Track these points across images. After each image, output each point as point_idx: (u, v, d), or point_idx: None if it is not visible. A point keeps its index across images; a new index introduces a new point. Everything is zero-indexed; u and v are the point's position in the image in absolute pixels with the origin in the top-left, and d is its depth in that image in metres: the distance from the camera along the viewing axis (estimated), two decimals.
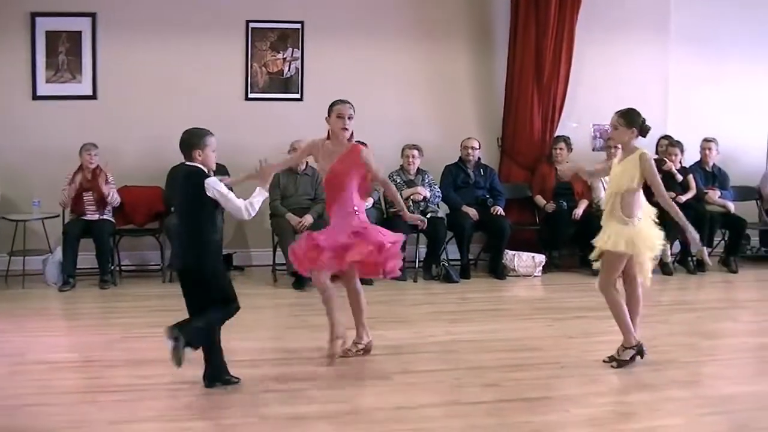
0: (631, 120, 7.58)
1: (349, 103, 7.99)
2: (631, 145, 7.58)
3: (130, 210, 11.83)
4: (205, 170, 6.82)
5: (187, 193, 6.86)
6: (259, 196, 7.02)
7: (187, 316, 7.00)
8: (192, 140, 6.92)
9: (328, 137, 7.95)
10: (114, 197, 11.41)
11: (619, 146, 7.94)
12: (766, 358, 8.50)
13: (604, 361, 7.63)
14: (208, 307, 6.86)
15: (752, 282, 12.46)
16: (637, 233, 7.41)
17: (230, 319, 6.92)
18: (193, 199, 6.76)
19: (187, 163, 6.89)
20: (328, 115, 8.02)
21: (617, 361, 7.58)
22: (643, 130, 7.61)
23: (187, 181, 6.86)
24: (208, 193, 6.67)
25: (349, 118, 7.86)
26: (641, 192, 7.52)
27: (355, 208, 7.65)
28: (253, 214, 6.94)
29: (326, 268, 7.61)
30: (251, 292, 10.63)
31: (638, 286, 7.70)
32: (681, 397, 6.82)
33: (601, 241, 7.56)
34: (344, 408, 6.45)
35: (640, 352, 7.58)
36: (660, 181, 7.51)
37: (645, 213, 7.57)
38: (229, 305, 6.91)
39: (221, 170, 11.63)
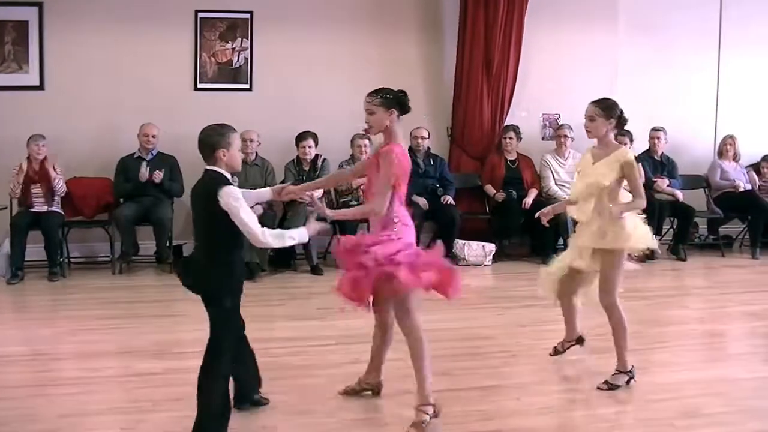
0: (610, 110, 6.96)
1: (369, 95, 6.44)
2: (609, 138, 7.00)
3: (79, 202, 11.75)
4: (227, 176, 5.70)
5: (200, 203, 5.79)
6: (296, 235, 5.83)
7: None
8: (214, 139, 5.78)
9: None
10: (60, 185, 11.31)
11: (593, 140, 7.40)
12: (714, 344, 8.61)
13: (599, 388, 6.85)
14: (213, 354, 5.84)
15: (701, 270, 12.57)
16: (633, 228, 6.91)
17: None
18: (207, 212, 5.66)
19: (208, 167, 5.77)
20: None
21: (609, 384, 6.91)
22: (622, 122, 7.06)
23: (203, 189, 5.73)
24: (220, 204, 5.50)
25: (367, 112, 6.30)
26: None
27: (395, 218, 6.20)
28: (272, 244, 5.74)
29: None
30: None
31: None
32: (631, 384, 6.86)
33: (592, 240, 6.89)
34: (294, 398, 6.45)
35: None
36: (638, 185, 6.86)
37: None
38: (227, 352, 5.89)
39: (171, 161, 11.63)
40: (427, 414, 5.92)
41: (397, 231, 6.16)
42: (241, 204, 5.50)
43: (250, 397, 6.27)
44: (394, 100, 6.38)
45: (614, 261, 6.85)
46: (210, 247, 5.74)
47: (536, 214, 7.56)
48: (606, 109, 6.95)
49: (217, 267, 5.70)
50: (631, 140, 12.79)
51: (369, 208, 6.18)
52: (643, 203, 6.86)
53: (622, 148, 6.98)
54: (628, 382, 6.91)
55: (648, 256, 12.35)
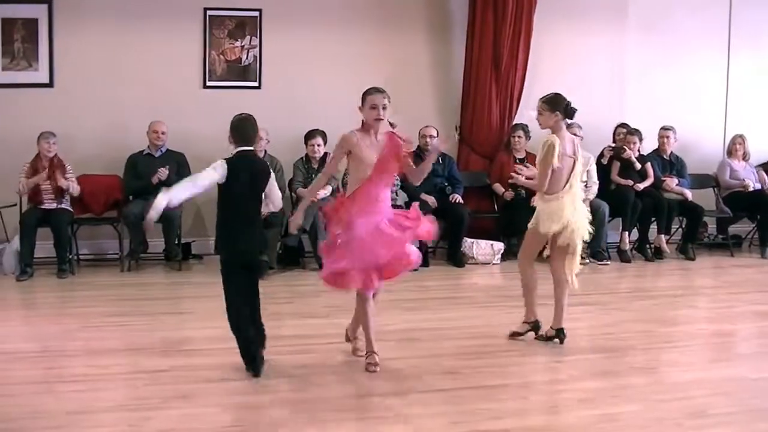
0: (553, 104, 7.90)
1: (383, 92, 7.55)
2: (559, 129, 7.92)
3: (88, 199, 11.77)
4: None
5: (264, 179, 7.04)
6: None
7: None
8: (255, 128, 7.18)
9: (363, 128, 7.54)
10: (74, 188, 11.34)
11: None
12: (722, 344, 8.58)
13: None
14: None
15: (709, 269, 12.55)
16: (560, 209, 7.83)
17: None
18: (264, 184, 7.02)
19: (246, 148, 7.05)
20: (362, 105, 7.60)
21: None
22: (568, 113, 7.91)
23: (265, 166, 7.18)
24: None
25: (383, 108, 7.41)
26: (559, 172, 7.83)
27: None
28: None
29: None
30: (210, 280, 10.54)
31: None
32: (639, 383, 6.85)
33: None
34: (303, 396, 6.44)
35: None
36: (543, 171, 7.81)
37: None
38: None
39: (179, 159, 11.64)
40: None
41: None
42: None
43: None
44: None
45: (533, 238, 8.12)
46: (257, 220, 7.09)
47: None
48: (550, 102, 7.93)
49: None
50: (641, 139, 12.81)
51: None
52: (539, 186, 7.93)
53: (552, 137, 7.88)
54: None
55: (657, 255, 12.50)
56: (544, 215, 7.84)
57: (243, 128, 7.04)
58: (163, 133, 11.71)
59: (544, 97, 8.03)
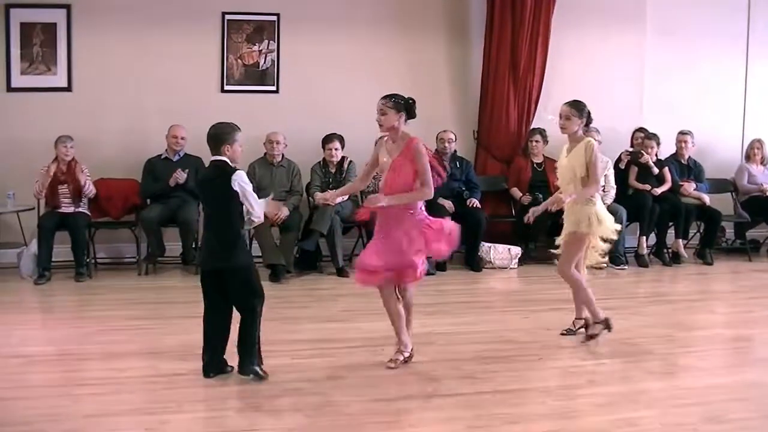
0: (581, 110, 8.02)
1: (385, 97, 7.93)
2: (579, 134, 8.05)
3: (106, 203, 11.79)
4: (232, 164, 6.89)
5: (215, 187, 6.91)
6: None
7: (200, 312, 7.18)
8: (222, 136, 6.94)
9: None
10: (89, 188, 11.37)
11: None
12: (740, 349, 8.56)
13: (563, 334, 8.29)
14: (247, 308, 6.98)
15: (727, 274, 12.52)
16: (596, 212, 7.90)
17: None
18: (222, 193, 6.83)
19: (214, 158, 6.96)
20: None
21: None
22: (589, 120, 8.14)
23: (216, 175, 6.91)
24: (233, 186, 6.75)
25: (378, 112, 7.80)
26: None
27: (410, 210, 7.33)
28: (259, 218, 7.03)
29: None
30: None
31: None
32: (656, 388, 6.84)
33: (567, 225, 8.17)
34: (320, 400, 6.44)
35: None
36: (596, 173, 7.89)
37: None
38: (258, 302, 7.03)
39: (197, 163, 11.66)
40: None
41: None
42: (247, 184, 6.86)
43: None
44: (404, 105, 7.83)
45: (575, 242, 8.16)
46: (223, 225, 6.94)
47: (528, 215, 8.68)
48: (578, 108, 8.02)
49: (231, 242, 6.96)
50: (658, 144, 12.78)
51: (424, 193, 7.30)
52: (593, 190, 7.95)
53: (584, 138, 8.02)
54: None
55: (674, 259, 12.48)
56: (593, 218, 7.92)
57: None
58: (182, 138, 11.72)
59: (571, 102, 8.12)
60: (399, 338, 7.40)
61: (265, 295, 7.08)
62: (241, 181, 6.77)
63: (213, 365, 6.94)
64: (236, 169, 6.85)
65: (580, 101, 8.12)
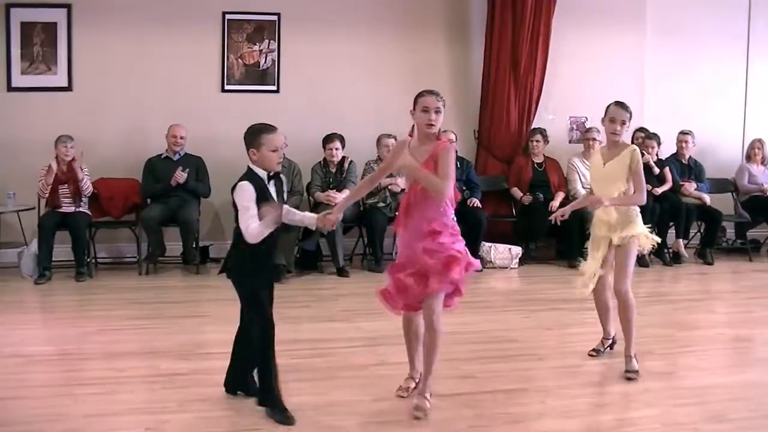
0: (631, 114, 7.37)
1: (436, 94, 6.55)
2: (621, 140, 7.38)
3: (106, 202, 11.79)
4: (256, 172, 6.04)
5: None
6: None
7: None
8: (247, 138, 6.08)
9: (414, 134, 6.59)
10: (87, 186, 11.35)
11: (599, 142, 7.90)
12: (741, 349, 8.56)
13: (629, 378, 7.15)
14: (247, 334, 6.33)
15: (728, 274, 12.53)
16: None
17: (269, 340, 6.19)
18: (233, 203, 6.07)
19: (249, 164, 6.09)
20: (413, 109, 6.57)
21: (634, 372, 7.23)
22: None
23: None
24: (234, 198, 6.01)
25: (436, 111, 6.38)
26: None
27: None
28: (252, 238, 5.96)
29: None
30: (228, 284, 10.60)
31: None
32: (657, 388, 6.84)
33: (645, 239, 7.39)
34: (321, 400, 6.44)
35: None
36: (641, 180, 7.24)
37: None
38: (258, 326, 6.23)
39: (197, 162, 11.66)
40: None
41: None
42: (243, 199, 5.95)
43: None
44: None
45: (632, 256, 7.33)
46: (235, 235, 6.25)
47: (555, 215, 7.75)
48: (629, 112, 7.32)
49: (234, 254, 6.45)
50: (659, 143, 12.80)
51: (440, 182, 6.28)
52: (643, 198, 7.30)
53: (628, 145, 7.39)
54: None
55: (675, 259, 12.48)
56: (643, 226, 7.41)
57: None
58: (182, 138, 11.72)
59: (626, 106, 7.35)
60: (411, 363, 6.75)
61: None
62: (237, 195, 5.98)
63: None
64: (242, 179, 6.01)
65: (626, 103, 7.40)
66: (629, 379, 7.08)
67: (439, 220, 6.38)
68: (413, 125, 6.52)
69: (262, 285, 6.33)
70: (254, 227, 5.90)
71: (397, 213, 6.71)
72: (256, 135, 6.04)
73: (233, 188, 6.02)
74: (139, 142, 11.99)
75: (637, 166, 7.18)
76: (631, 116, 7.32)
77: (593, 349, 7.79)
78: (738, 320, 9.71)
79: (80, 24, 11.93)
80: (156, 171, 11.70)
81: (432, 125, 6.31)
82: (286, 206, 6.37)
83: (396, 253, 7.27)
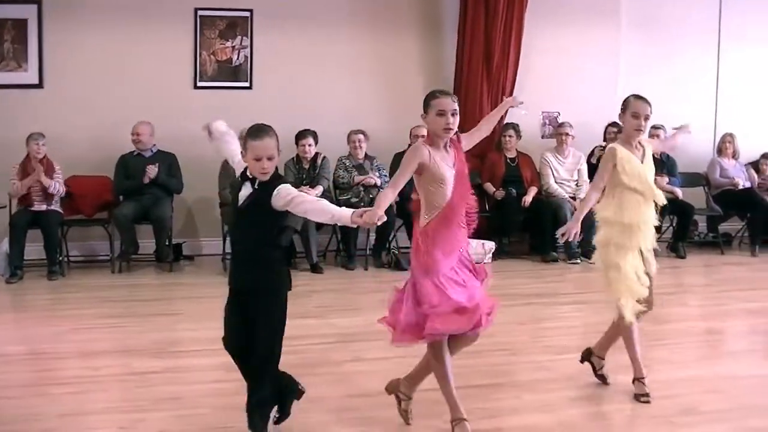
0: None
1: (450, 94, 5.90)
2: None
3: (79, 200, 11.74)
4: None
5: None
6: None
7: None
8: (242, 140, 5.70)
9: (429, 139, 5.91)
10: (56, 186, 11.30)
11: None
12: (713, 342, 8.62)
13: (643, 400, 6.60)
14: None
15: (700, 267, 12.59)
16: None
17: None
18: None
19: None
20: (425, 112, 5.86)
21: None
22: None
23: None
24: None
25: (453, 114, 5.72)
26: None
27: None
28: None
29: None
30: (201, 281, 10.66)
31: None
32: (630, 381, 6.85)
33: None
34: None
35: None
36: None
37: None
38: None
39: (170, 159, 11.64)
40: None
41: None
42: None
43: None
44: None
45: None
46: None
47: (560, 233, 6.87)
48: (649, 105, 6.92)
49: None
50: None
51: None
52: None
53: (647, 140, 7.08)
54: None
55: None
56: None
57: None
58: (142, 134, 11.63)
59: (647, 100, 7.06)
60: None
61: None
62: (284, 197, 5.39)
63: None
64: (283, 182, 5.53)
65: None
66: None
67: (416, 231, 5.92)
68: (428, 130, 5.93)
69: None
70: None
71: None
72: (244, 139, 5.70)
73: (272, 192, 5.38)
74: (111, 140, 11.92)
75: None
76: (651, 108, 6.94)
77: (644, 394, 6.59)
78: (710, 313, 9.79)
79: (51, 20, 11.86)
80: (128, 168, 11.65)
81: (450, 129, 5.73)
82: (314, 198, 5.69)
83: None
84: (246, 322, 5.48)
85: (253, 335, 5.46)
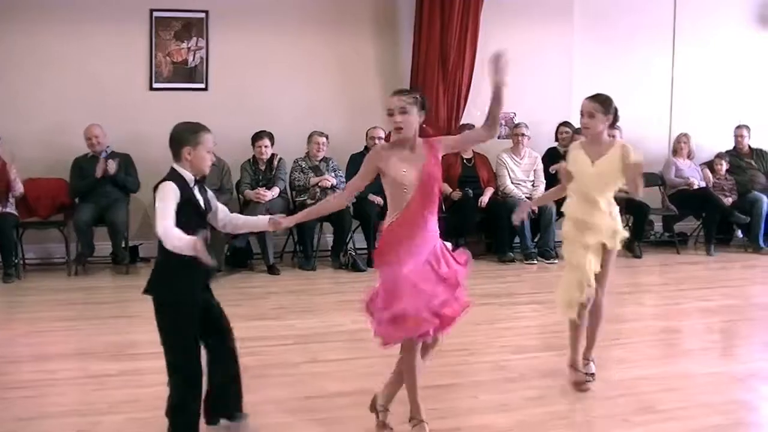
0: (608, 106, 6.89)
1: (401, 92, 5.87)
2: (604, 136, 6.88)
3: (34, 202, 11.65)
4: (182, 174, 5.43)
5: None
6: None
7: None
8: (183, 135, 5.49)
9: (390, 140, 5.99)
10: (19, 187, 11.25)
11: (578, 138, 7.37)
12: (670, 340, 8.68)
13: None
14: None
15: (656, 266, 12.66)
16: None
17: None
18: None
19: (173, 165, 5.49)
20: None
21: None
22: (616, 119, 7.00)
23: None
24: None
25: (400, 112, 5.72)
26: None
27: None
28: (167, 244, 5.25)
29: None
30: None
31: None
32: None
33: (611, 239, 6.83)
34: (254, 398, 6.38)
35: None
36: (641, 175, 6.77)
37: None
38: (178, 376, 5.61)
39: (125, 159, 11.57)
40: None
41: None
42: (160, 201, 5.28)
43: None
44: (423, 102, 5.94)
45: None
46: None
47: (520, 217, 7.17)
48: (605, 103, 6.87)
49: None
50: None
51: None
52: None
53: (616, 141, 6.97)
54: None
55: None
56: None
57: None
58: (96, 137, 11.55)
59: (595, 96, 7.01)
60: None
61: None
62: (157, 195, 5.34)
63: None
64: (165, 179, 5.39)
65: (604, 95, 7.01)
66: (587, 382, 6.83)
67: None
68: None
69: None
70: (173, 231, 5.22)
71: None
72: (194, 133, 5.51)
73: (155, 188, 5.38)
74: (66, 141, 11.84)
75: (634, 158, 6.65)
76: (607, 108, 6.88)
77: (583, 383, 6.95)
78: (666, 312, 9.85)
79: (2, 20, 11.74)
80: (83, 171, 11.56)
81: (399, 128, 5.69)
82: (235, 214, 6.12)
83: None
84: None
85: None
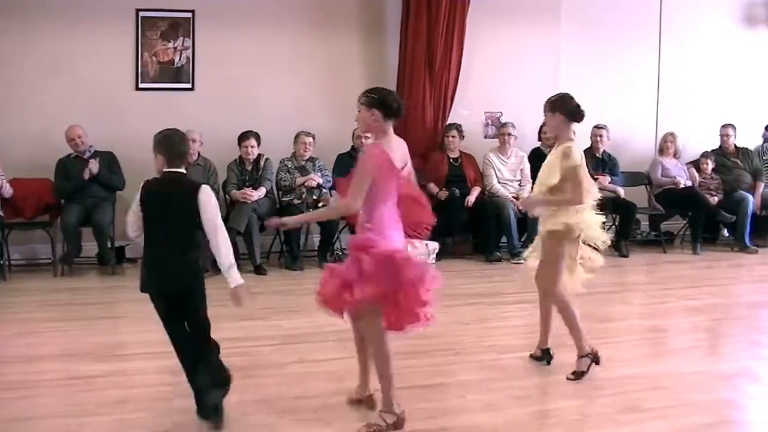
0: (555, 104, 7.18)
1: (364, 92, 6.49)
2: (567, 134, 7.18)
3: (19, 203, 11.59)
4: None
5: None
6: None
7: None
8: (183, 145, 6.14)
9: None
10: (7, 188, 11.22)
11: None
12: (656, 339, 8.70)
13: (568, 378, 6.99)
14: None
15: (642, 266, 12.69)
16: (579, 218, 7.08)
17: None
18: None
19: (174, 170, 6.02)
20: None
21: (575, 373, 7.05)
22: (573, 115, 7.25)
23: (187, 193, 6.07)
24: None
25: (358, 111, 6.38)
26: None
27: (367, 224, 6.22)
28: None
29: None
30: None
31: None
32: (566, 378, 6.91)
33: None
34: (241, 398, 6.41)
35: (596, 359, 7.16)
36: (579, 180, 6.99)
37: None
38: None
39: (109, 157, 11.55)
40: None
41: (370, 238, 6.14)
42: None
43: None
44: (378, 101, 6.35)
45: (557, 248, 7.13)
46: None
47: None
48: (551, 103, 7.17)
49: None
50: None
51: (340, 204, 6.27)
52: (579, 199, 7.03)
53: (565, 144, 7.08)
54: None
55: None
56: (586, 226, 7.24)
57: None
58: (79, 137, 11.50)
59: (549, 98, 7.35)
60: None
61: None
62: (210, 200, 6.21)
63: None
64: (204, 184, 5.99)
65: (555, 95, 7.38)
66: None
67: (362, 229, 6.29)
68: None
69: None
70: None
71: None
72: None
73: (197, 190, 5.97)
74: (52, 142, 11.79)
75: (567, 164, 6.90)
76: (554, 106, 7.23)
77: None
78: (653, 311, 9.87)
79: None
80: (68, 171, 11.53)
81: (360, 136, 5.71)
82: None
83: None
84: None
85: None
